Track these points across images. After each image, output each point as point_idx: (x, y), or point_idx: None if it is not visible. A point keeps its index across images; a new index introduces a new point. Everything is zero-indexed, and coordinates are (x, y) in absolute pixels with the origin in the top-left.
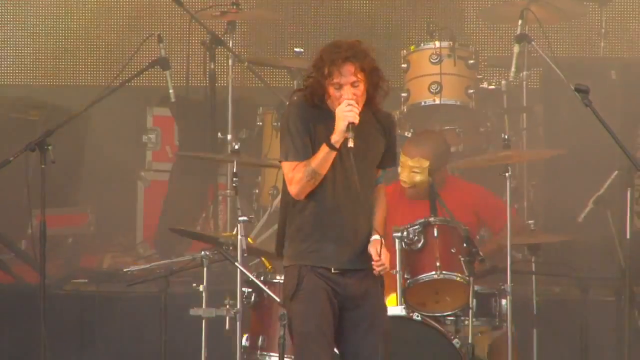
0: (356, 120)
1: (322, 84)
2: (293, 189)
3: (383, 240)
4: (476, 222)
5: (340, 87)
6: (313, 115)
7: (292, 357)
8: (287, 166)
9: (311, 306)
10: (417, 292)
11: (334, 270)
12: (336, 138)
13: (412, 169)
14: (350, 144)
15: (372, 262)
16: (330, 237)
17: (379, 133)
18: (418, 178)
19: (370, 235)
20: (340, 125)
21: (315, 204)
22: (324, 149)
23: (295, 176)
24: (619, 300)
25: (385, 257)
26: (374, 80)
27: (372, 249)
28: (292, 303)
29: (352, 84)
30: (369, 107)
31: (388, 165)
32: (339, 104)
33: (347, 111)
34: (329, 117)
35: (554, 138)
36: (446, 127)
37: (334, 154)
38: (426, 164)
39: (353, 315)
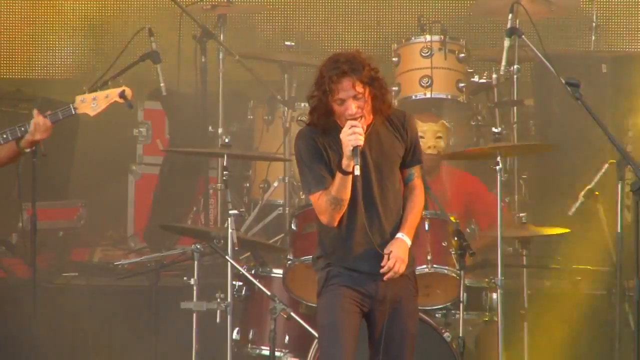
0: (360, 142)
1: (325, 102)
2: (323, 219)
3: (405, 241)
4: (465, 213)
5: (342, 102)
6: (323, 141)
7: (286, 350)
8: (312, 198)
9: (332, 301)
10: None
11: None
12: (345, 163)
13: (436, 133)
14: (357, 171)
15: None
16: (360, 254)
17: (393, 137)
18: (442, 143)
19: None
20: (345, 150)
21: (340, 223)
22: (338, 175)
23: (321, 206)
24: (610, 293)
25: (394, 262)
26: (375, 91)
27: (386, 250)
28: (318, 299)
29: (354, 98)
30: (379, 115)
31: (414, 164)
32: (345, 118)
33: (349, 134)
34: (339, 140)
35: (545, 132)
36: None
37: (349, 177)
38: (447, 125)
39: (385, 316)
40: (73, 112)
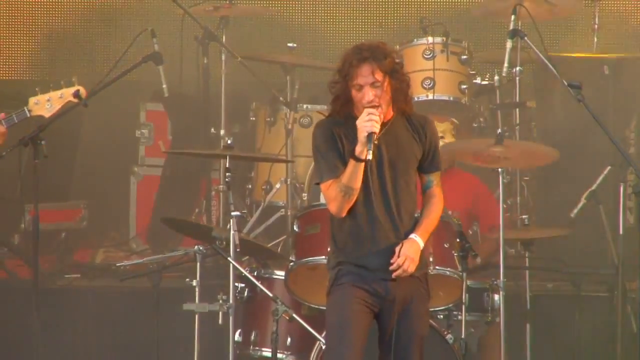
0: (375, 129)
1: (345, 87)
2: (332, 208)
3: (417, 242)
4: (469, 213)
5: (360, 88)
6: (339, 131)
7: (288, 352)
8: (323, 187)
9: (341, 301)
10: None
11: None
12: (359, 149)
13: (452, 131)
14: (369, 156)
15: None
16: (372, 250)
17: (412, 137)
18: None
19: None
20: (360, 136)
21: (353, 218)
22: (350, 162)
23: (331, 194)
24: (612, 295)
25: (404, 259)
26: (395, 83)
27: (397, 248)
28: (327, 298)
29: (372, 85)
30: (398, 111)
31: (432, 170)
32: (362, 106)
33: (366, 121)
34: (355, 131)
35: (547, 134)
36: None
37: (361, 165)
38: (456, 122)
39: (395, 317)
40: (28, 115)
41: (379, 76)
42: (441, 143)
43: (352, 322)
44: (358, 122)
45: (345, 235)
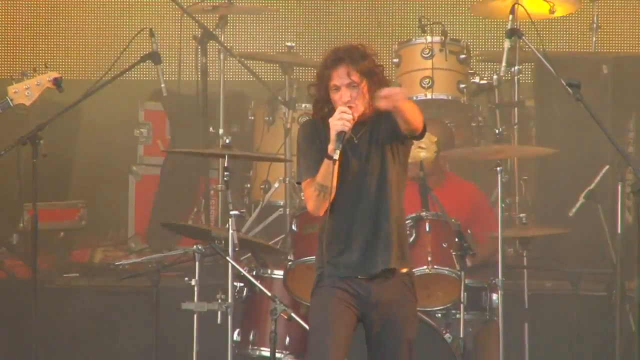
0: (345, 128)
1: (323, 90)
2: (309, 206)
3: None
4: (466, 222)
5: (338, 89)
6: (321, 131)
7: (286, 352)
8: (303, 186)
9: (323, 301)
10: None
11: (360, 277)
12: (331, 147)
13: (418, 144)
14: (335, 156)
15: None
16: (355, 247)
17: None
18: (423, 154)
19: (393, 236)
20: (331, 134)
21: (334, 217)
22: (324, 162)
23: (307, 193)
24: (610, 294)
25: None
26: (372, 84)
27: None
28: (311, 299)
29: (348, 86)
30: (379, 112)
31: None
32: (338, 107)
33: (337, 120)
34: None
35: (546, 133)
36: None
37: (333, 164)
38: (434, 139)
39: (379, 321)
40: (11, 105)
41: (355, 77)
42: (425, 154)
43: (335, 324)
44: (330, 120)
45: (327, 234)
